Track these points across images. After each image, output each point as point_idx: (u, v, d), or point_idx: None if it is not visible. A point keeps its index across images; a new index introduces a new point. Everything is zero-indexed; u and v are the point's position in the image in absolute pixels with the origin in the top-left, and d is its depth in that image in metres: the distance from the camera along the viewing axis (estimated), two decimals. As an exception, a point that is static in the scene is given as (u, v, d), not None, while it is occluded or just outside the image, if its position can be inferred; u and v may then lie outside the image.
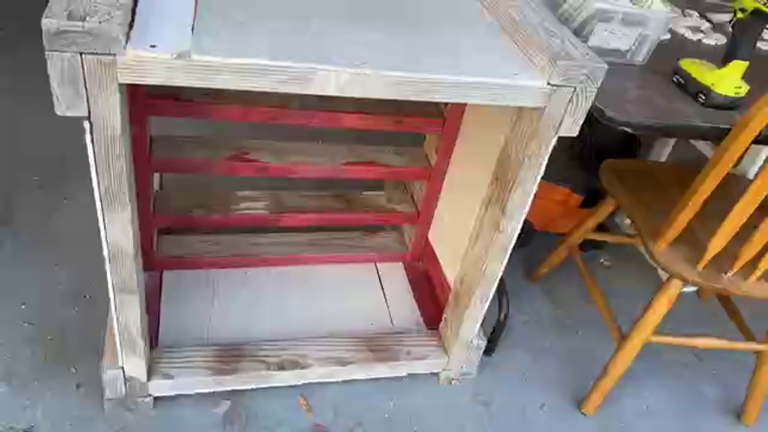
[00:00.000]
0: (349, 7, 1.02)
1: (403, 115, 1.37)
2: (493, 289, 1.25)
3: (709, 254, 1.18)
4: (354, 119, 1.33)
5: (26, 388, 1.23)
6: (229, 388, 1.26)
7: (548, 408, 1.43)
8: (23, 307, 1.38)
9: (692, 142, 1.93)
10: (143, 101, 1.18)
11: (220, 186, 1.54)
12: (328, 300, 1.50)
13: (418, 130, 1.45)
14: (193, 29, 0.85)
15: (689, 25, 1.49)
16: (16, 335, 1.32)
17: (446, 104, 1.40)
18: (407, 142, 1.55)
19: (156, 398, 1.23)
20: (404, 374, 1.38)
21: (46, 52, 0.75)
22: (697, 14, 1.59)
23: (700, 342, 1.41)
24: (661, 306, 1.26)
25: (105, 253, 0.97)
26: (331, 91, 0.86)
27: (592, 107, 1.00)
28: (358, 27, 0.97)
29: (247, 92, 0.85)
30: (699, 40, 1.45)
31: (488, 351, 1.46)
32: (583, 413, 1.43)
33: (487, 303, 1.28)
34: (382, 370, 1.35)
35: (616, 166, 1.46)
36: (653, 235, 1.24)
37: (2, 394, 1.21)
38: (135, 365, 1.15)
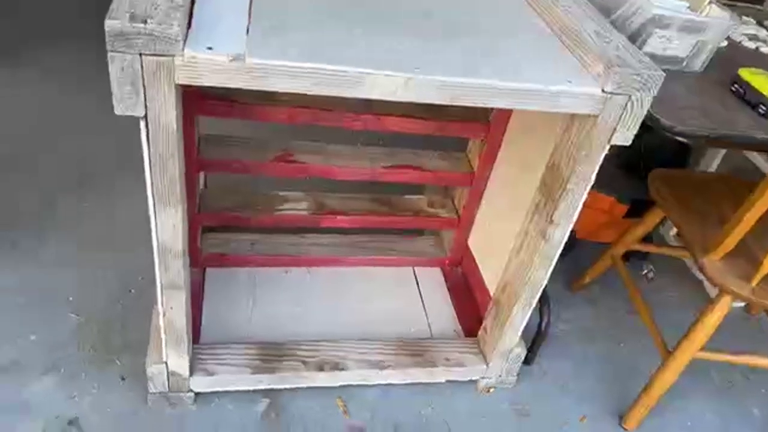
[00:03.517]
0: (401, 13, 1.02)
1: (447, 119, 1.36)
2: (537, 298, 1.23)
3: (764, 270, 1.13)
4: (398, 123, 1.33)
5: (73, 380, 1.26)
6: (267, 387, 1.27)
7: (588, 420, 1.41)
8: (71, 299, 1.41)
9: (745, 152, 1.87)
10: (193, 101, 1.20)
11: (262, 186, 1.55)
12: (366, 302, 1.50)
13: (463, 135, 1.44)
14: (247, 32, 0.85)
15: (747, 33, 1.44)
16: (64, 327, 1.35)
17: (491, 109, 1.38)
18: (449, 145, 1.54)
19: (197, 394, 1.25)
20: (442, 380, 1.37)
21: (109, 53, 0.76)
22: (754, 21, 1.54)
23: (749, 360, 1.36)
24: (710, 322, 1.23)
25: (154, 250, 0.98)
26: (382, 95, 0.86)
27: (646, 115, 0.97)
28: (411, 32, 0.96)
29: (293, 94, 0.85)
30: (757, 49, 1.40)
31: (528, 360, 1.44)
32: (624, 428, 1.40)
33: (530, 312, 1.26)
34: (419, 376, 1.35)
35: (665, 175, 1.42)
36: (704, 248, 1.21)
37: (51, 385, 1.24)
38: (178, 361, 1.17)
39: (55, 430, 1.17)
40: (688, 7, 1.15)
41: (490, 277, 1.46)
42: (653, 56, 1.11)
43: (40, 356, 1.28)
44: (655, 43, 1.11)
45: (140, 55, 0.77)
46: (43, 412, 1.19)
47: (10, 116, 1.94)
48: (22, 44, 2.30)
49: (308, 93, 0.84)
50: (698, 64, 1.18)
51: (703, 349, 1.26)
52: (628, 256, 1.63)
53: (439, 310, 1.53)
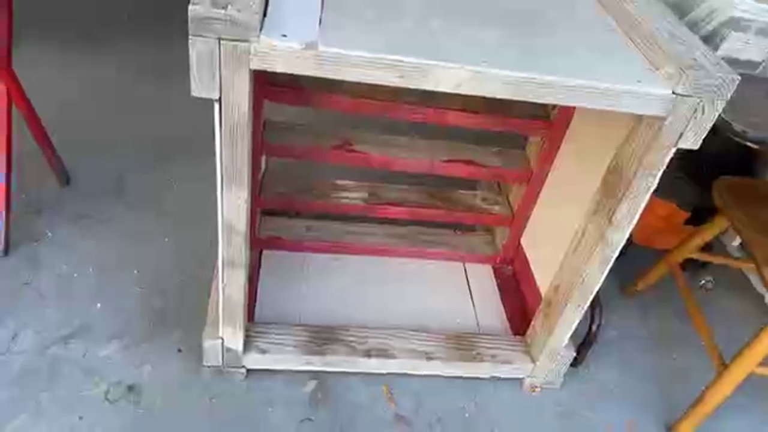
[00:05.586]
0: (470, 8, 1.02)
1: (508, 115, 1.36)
2: (589, 301, 1.22)
3: (834, 286, 1.09)
4: (459, 117, 1.33)
5: (134, 348, 1.32)
6: (316, 369, 1.31)
7: (634, 427, 1.38)
8: (136, 272, 1.48)
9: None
10: (261, 87, 1.23)
11: (320, 173, 1.58)
12: (416, 294, 1.52)
13: (523, 132, 1.43)
14: (320, 21, 0.88)
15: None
16: (128, 298, 1.42)
17: (554, 106, 1.37)
18: (506, 142, 1.53)
19: (249, 370, 1.29)
20: (487, 376, 1.38)
21: (189, 37, 0.80)
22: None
23: (812, 379, 1.31)
24: (771, 336, 1.19)
25: (219, 227, 1.02)
26: (448, 87, 0.87)
27: (717, 120, 0.95)
28: (478, 27, 0.97)
29: (357, 84, 0.87)
30: (839, 55, 1.34)
31: (575, 362, 1.43)
32: (672, 439, 1.37)
33: (581, 314, 1.25)
34: (465, 370, 1.35)
35: (732, 183, 1.38)
36: (770, 260, 1.17)
37: (114, 351, 1.31)
38: (233, 337, 1.21)
39: (116, 394, 1.24)
40: (769, 10, 1.11)
41: (542, 277, 1.45)
42: (728, 59, 1.08)
43: (105, 324, 1.36)
44: (731, 46, 1.08)
45: (219, 39, 0.80)
46: (106, 377, 1.26)
47: (89, 98, 2.04)
48: (100, 29, 2.41)
49: (377, 83, 0.85)
50: (775, 70, 1.14)
51: (762, 364, 1.22)
52: (685, 264, 1.59)
53: (487, 307, 1.53)
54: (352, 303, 1.45)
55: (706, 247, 1.56)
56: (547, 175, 1.46)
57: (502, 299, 1.56)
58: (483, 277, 1.62)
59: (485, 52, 0.89)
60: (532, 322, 1.38)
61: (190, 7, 0.78)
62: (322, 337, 1.30)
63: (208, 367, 1.27)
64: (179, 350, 1.33)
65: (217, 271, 1.10)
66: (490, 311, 1.52)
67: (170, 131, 1.92)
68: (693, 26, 1.09)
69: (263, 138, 1.34)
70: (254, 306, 1.38)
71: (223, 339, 1.21)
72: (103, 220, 1.60)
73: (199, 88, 0.84)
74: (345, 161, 1.39)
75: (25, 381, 1.23)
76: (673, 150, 0.98)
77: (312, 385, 1.32)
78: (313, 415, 1.27)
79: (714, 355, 1.32)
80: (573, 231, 1.20)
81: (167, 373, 1.29)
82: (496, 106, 1.33)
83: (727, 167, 1.68)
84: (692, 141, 0.97)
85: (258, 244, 1.51)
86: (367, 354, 1.29)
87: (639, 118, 0.99)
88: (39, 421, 1.17)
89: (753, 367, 1.22)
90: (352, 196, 1.51)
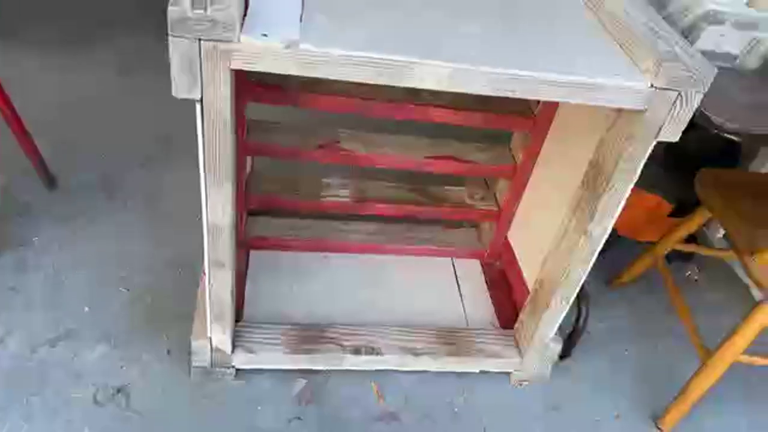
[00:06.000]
0: (451, 5, 1.03)
1: (492, 111, 1.37)
2: (575, 294, 1.23)
3: (814, 274, 1.11)
4: (443, 114, 1.34)
5: (123, 350, 1.32)
6: (305, 367, 1.31)
7: (622, 419, 1.40)
8: (123, 274, 1.48)
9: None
10: (244, 87, 1.24)
11: (306, 171, 1.59)
12: (404, 291, 1.52)
13: (507, 128, 1.44)
14: (301, 19, 0.88)
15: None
16: (115, 301, 1.42)
17: (538, 102, 1.38)
18: (491, 138, 1.54)
19: (237, 370, 1.29)
20: (476, 371, 1.38)
21: (170, 38, 0.80)
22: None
23: (794, 367, 1.33)
24: (754, 325, 1.21)
25: (204, 228, 1.03)
26: (431, 84, 0.88)
27: (696, 112, 0.96)
28: (461, 22, 0.97)
29: (341, 81, 0.87)
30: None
31: (562, 355, 1.44)
32: (659, 429, 1.38)
33: (567, 307, 1.26)
34: (454, 365, 1.36)
35: (714, 175, 1.39)
36: (751, 249, 1.18)
37: (103, 354, 1.31)
38: (221, 337, 1.21)
39: (105, 397, 1.23)
40: (747, 3, 1.12)
41: (529, 271, 1.46)
42: (706, 52, 1.09)
43: (93, 327, 1.35)
44: (708, 39, 1.09)
45: (199, 40, 0.81)
46: (94, 379, 1.26)
47: (77, 99, 2.03)
48: (89, 29, 2.39)
49: (357, 81, 0.86)
50: (753, 62, 1.15)
51: (745, 353, 1.24)
52: (670, 256, 1.61)
53: (476, 302, 1.54)
54: (340, 301, 1.46)
55: (691, 239, 1.58)
56: (532, 170, 1.47)
57: (490, 294, 1.57)
58: (471, 272, 1.63)
59: (467, 48, 0.90)
60: (520, 316, 1.39)
61: (170, 7, 0.78)
62: (311, 335, 1.31)
63: (197, 367, 1.27)
64: (168, 351, 1.33)
65: (205, 272, 1.10)
66: (479, 306, 1.53)
67: (158, 132, 1.91)
68: (671, 19, 1.10)
69: (248, 137, 1.34)
70: (242, 306, 1.38)
71: (211, 339, 1.22)
72: (90, 223, 1.59)
73: (179, 90, 0.84)
74: (331, 160, 1.40)
75: (14, 385, 1.22)
76: (654, 143, 0.99)
77: (301, 383, 1.32)
78: (302, 413, 1.27)
79: (698, 344, 1.34)
80: (557, 225, 1.21)
81: (156, 375, 1.29)
82: (482, 102, 1.34)
83: (711, 159, 1.70)
84: (672, 133, 0.98)
85: (245, 244, 1.51)
86: (356, 351, 1.30)
87: (619, 112, 1.00)
88: (28, 424, 1.17)
89: (736, 357, 1.24)
90: (339, 194, 1.51)
